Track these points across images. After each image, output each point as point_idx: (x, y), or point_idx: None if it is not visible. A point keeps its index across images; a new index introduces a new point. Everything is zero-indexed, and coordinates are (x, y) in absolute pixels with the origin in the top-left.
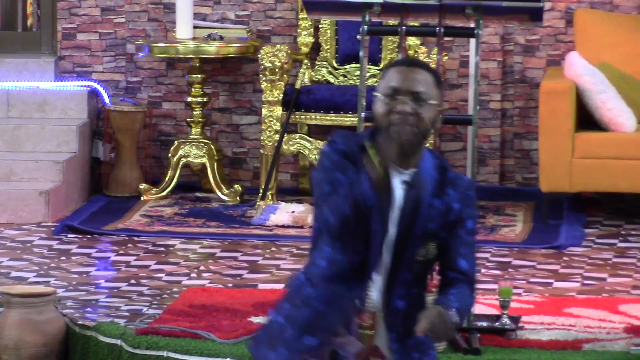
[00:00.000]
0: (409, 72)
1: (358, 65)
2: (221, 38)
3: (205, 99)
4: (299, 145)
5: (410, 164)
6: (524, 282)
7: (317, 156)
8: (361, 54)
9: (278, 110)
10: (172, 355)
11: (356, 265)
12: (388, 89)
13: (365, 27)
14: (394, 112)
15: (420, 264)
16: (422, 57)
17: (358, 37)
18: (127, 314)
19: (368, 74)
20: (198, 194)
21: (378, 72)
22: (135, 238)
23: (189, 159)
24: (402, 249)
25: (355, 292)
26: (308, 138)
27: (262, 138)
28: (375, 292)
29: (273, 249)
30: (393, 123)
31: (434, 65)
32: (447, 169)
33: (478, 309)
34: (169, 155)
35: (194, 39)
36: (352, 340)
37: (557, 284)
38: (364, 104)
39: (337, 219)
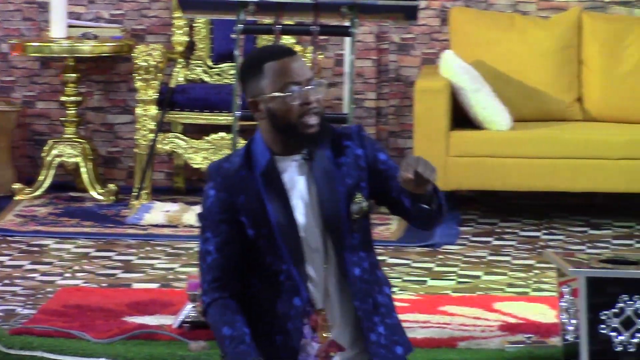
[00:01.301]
0: (294, 61)
1: (233, 64)
2: (95, 37)
3: (79, 98)
4: (173, 144)
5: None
6: (399, 280)
7: (192, 155)
8: (236, 52)
9: (152, 110)
10: (46, 355)
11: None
12: (285, 84)
13: (240, 26)
14: (302, 105)
15: (358, 223)
16: None
17: (233, 36)
18: (0, 314)
19: None
20: (72, 194)
21: None
22: (9, 238)
23: (63, 158)
24: (334, 216)
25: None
26: (183, 137)
27: (136, 137)
28: (315, 289)
29: (147, 248)
30: (303, 116)
31: (309, 64)
32: (332, 128)
33: None
34: (43, 154)
35: (68, 38)
36: (307, 342)
37: (432, 282)
38: (239, 102)
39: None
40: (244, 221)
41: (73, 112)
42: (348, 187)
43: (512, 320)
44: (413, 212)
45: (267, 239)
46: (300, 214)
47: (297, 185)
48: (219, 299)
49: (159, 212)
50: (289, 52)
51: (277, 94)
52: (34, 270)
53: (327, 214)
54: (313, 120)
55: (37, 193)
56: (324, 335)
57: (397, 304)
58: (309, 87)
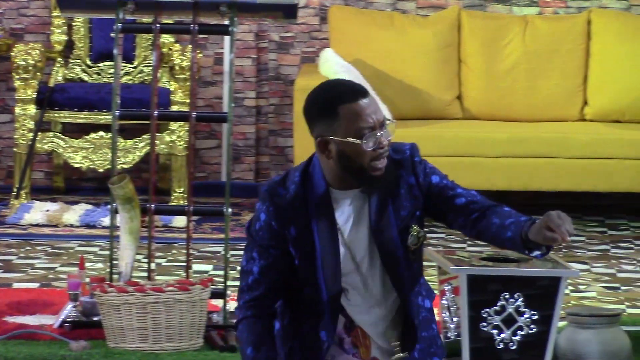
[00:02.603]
0: (368, 103)
1: (112, 63)
2: None
3: None
4: (53, 143)
5: None
6: None
7: (71, 155)
8: (115, 51)
9: (32, 109)
10: None
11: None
12: (359, 129)
13: (119, 25)
14: (375, 150)
15: (415, 251)
16: (175, 55)
17: (112, 35)
18: None
19: (122, 72)
20: None
21: (132, 69)
22: None
23: None
24: (391, 251)
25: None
26: (62, 136)
27: (15, 136)
28: (357, 309)
29: (27, 248)
30: (374, 160)
31: (188, 63)
32: (390, 158)
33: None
34: None
35: None
36: (348, 359)
37: None
38: (119, 101)
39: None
40: (292, 252)
41: None
42: (403, 219)
43: None
44: (501, 241)
45: (311, 272)
46: (349, 247)
47: (350, 218)
48: (252, 317)
49: (38, 212)
50: (362, 92)
51: (351, 139)
52: None
53: (383, 250)
54: (382, 163)
55: None
56: (364, 351)
57: None
58: (382, 131)
